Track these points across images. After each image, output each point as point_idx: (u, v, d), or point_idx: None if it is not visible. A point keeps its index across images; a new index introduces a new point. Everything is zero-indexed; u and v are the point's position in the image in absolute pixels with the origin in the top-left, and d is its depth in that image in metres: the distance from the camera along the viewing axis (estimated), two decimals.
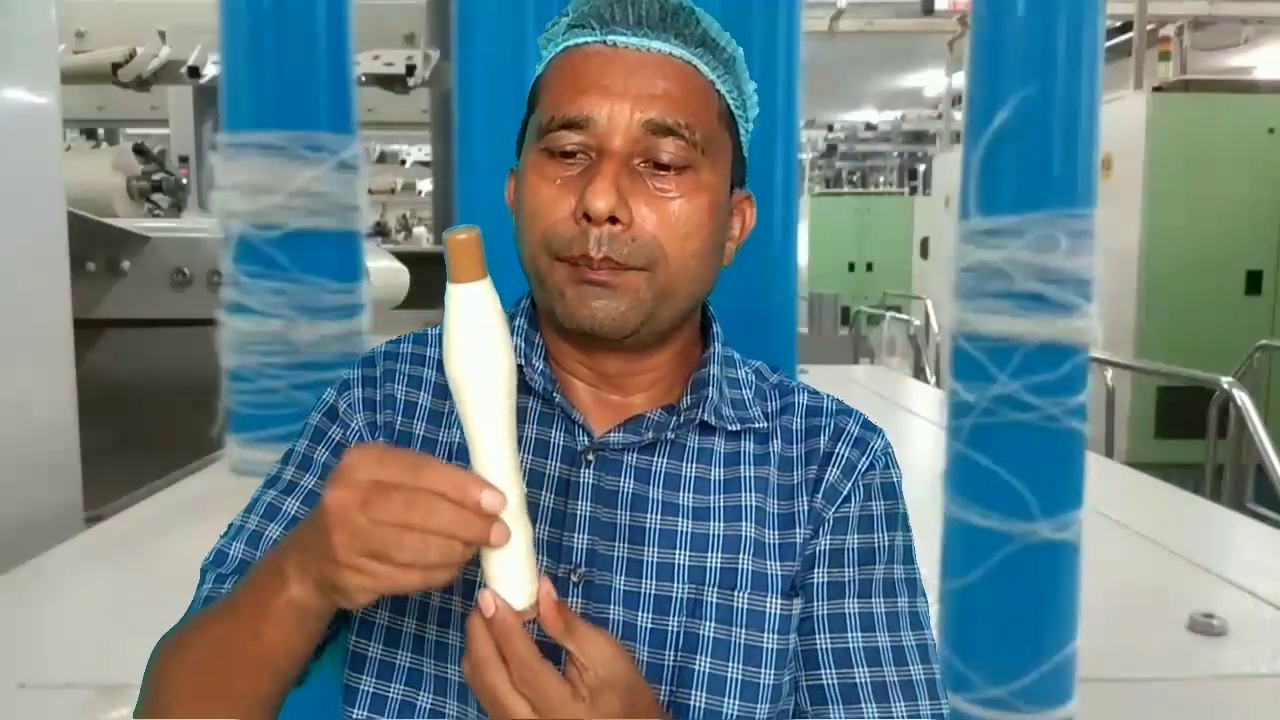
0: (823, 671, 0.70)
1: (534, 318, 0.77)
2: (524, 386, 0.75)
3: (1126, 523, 3.00)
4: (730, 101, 0.73)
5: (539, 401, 0.75)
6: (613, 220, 0.66)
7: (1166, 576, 2.66)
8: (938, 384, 6.11)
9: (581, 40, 0.70)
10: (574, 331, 0.71)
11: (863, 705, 0.69)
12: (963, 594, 1.36)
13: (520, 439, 0.73)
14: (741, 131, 0.75)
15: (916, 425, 4.38)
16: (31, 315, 3.03)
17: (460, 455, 0.74)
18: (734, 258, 0.77)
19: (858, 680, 0.70)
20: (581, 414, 0.74)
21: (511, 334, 0.75)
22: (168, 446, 3.68)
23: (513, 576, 0.57)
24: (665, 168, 0.68)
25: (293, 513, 0.74)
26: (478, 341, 0.56)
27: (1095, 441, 3.29)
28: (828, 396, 0.79)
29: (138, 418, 4.18)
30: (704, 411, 0.73)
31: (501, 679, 0.56)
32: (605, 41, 0.69)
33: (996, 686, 1.33)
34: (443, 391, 0.76)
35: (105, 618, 2.23)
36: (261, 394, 1.41)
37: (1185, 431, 4.97)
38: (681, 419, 0.74)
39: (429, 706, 0.70)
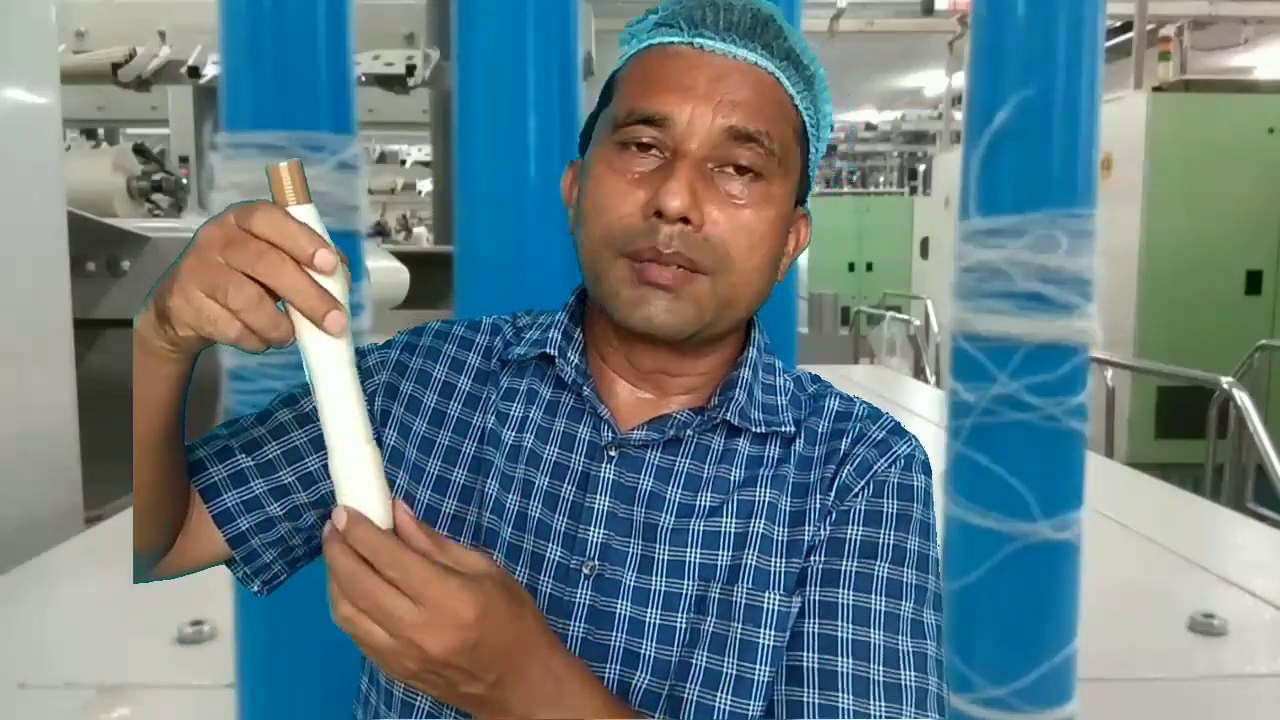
0: (804, 654, 0.66)
1: (576, 313, 0.78)
2: (557, 381, 0.76)
3: (1126, 523, 3.01)
4: (806, 119, 0.72)
5: (571, 396, 0.76)
6: (684, 221, 0.66)
7: (1166, 576, 2.66)
8: (938, 384, 6.11)
9: (667, 39, 0.70)
10: (627, 330, 0.70)
11: (838, 695, 0.65)
12: (963, 594, 1.36)
13: (550, 432, 0.75)
14: (812, 151, 0.74)
15: (916, 425, 4.37)
16: (31, 315, 3.03)
17: (490, 440, 0.75)
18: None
19: (839, 669, 0.65)
20: (610, 410, 0.74)
21: (551, 328, 0.77)
22: None
23: (365, 497, 0.57)
24: (742, 173, 0.68)
25: (306, 410, 0.77)
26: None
27: (1095, 441, 3.29)
28: (860, 402, 0.77)
29: None
30: (727, 412, 0.73)
31: (376, 583, 0.53)
32: (691, 43, 0.69)
33: (996, 686, 1.33)
34: (483, 378, 0.78)
35: (105, 618, 2.23)
36: (261, 394, 1.41)
37: (1185, 431, 4.98)
38: (705, 418, 0.73)
39: (426, 708, 0.70)
